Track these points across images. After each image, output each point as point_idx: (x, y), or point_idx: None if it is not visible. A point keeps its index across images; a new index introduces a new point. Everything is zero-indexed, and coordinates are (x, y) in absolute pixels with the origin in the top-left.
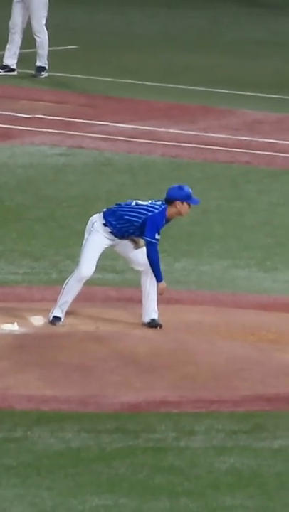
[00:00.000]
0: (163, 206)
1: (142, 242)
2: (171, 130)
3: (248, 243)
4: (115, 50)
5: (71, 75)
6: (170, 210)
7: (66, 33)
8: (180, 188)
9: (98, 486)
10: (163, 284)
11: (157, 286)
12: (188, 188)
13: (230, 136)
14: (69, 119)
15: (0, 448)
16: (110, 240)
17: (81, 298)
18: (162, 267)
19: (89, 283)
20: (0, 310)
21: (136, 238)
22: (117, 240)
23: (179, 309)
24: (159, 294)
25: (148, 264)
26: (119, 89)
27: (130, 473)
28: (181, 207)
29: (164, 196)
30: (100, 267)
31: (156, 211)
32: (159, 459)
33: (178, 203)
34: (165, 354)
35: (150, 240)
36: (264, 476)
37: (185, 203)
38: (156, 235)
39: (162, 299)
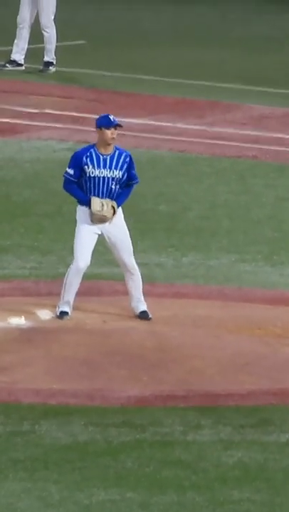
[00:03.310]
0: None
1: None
2: (179, 125)
3: (254, 237)
4: (123, 46)
5: (79, 70)
6: (98, 140)
7: (74, 28)
8: (99, 117)
9: (105, 479)
10: (94, 206)
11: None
12: (105, 116)
13: (237, 131)
14: (76, 114)
15: (7, 442)
16: (96, 226)
17: (88, 292)
18: (170, 261)
19: (96, 277)
20: (7, 304)
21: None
22: (103, 227)
23: (186, 303)
24: (93, 216)
25: (125, 265)
26: (126, 85)
27: (137, 467)
28: (101, 133)
29: (171, 192)
30: (107, 261)
31: None
32: (166, 452)
33: (98, 131)
34: (172, 348)
35: (63, 174)
36: (271, 470)
37: (103, 129)
38: (68, 169)
39: (169, 293)
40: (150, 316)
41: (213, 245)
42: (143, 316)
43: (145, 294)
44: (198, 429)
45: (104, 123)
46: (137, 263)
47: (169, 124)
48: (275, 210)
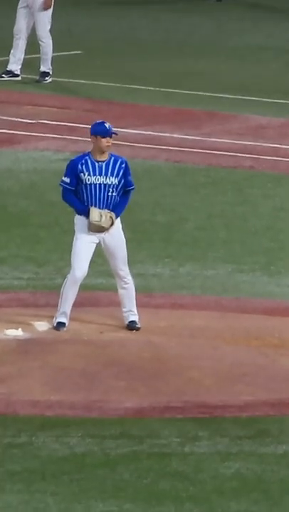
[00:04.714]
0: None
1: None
2: (176, 135)
3: (252, 248)
4: (119, 56)
5: (75, 81)
6: (92, 147)
7: (70, 38)
8: (94, 124)
9: (103, 491)
10: (92, 216)
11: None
12: (101, 123)
13: (234, 141)
14: (73, 125)
15: (4, 453)
16: (94, 235)
17: (85, 303)
18: (167, 272)
19: (93, 288)
20: (4, 315)
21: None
22: (100, 235)
23: (183, 314)
24: (91, 226)
25: (119, 274)
26: (123, 95)
27: (135, 478)
28: (96, 141)
29: (168, 202)
30: (104, 272)
31: None
32: (163, 464)
33: (92, 138)
34: (169, 359)
35: (59, 182)
36: (268, 481)
37: (98, 137)
38: (64, 177)
39: (166, 304)
40: (138, 325)
41: (210, 255)
42: (131, 325)
43: (142, 304)
44: (196, 440)
45: (99, 131)
46: (134, 273)
47: (165, 135)
48: (272, 220)
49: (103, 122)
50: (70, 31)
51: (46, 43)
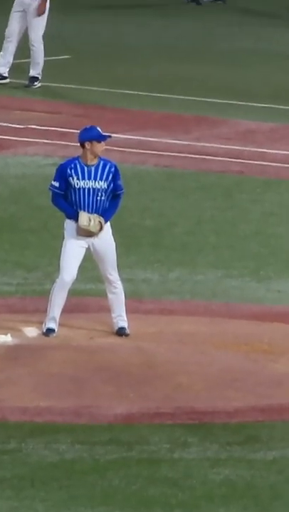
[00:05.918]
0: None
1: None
2: (165, 140)
3: (241, 253)
4: (108, 60)
5: (64, 85)
6: (83, 153)
7: (59, 43)
8: (85, 129)
9: (92, 497)
10: (81, 220)
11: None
12: (93, 128)
13: (223, 146)
14: (62, 130)
15: None
16: (83, 239)
17: (75, 309)
18: (156, 277)
19: (82, 293)
20: None
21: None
22: (90, 240)
23: (172, 320)
24: (80, 230)
25: (109, 278)
26: (112, 100)
27: (124, 484)
28: (91, 146)
29: (157, 207)
30: (93, 277)
31: None
32: (153, 470)
33: (87, 144)
34: (158, 365)
35: (48, 186)
36: (258, 487)
37: (94, 142)
38: (54, 181)
39: (155, 310)
40: (128, 332)
41: (199, 261)
42: (120, 332)
43: (131, 310)
44: (185, 446)
45: (95, 136)
46: (123, 278)
47: (154, 139)
48: (262, 225)
49: (94, 127)
50: (59, 36)
51: (37, 47)
